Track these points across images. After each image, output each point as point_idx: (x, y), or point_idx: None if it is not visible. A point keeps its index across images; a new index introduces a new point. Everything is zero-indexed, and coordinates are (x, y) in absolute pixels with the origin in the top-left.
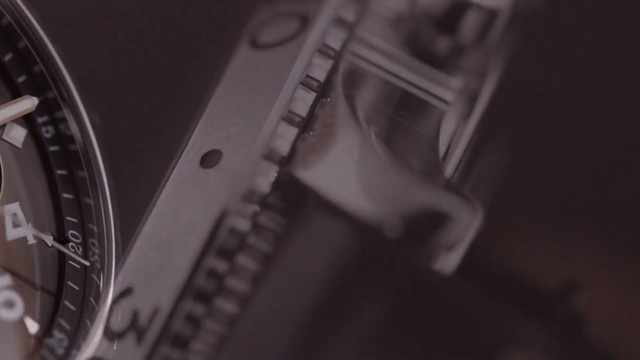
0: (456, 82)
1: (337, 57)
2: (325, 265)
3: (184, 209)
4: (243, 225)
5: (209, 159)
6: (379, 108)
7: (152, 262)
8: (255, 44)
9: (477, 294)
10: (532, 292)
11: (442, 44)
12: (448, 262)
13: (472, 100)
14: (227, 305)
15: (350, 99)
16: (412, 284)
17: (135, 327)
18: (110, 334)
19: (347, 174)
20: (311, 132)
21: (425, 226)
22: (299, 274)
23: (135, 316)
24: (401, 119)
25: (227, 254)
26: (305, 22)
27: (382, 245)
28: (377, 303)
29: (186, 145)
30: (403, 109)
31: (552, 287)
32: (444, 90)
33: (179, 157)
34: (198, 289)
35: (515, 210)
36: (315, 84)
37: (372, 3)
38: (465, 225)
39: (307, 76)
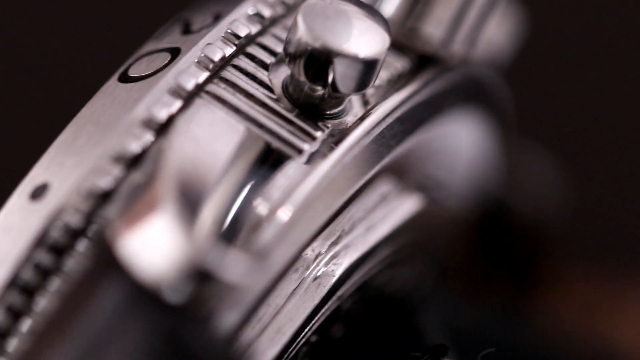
0: (320, 133)
1: (188, 97)
2: (98, 322)
3: (4, 241)
4: (50, 263)
5: (38, 193)
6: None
7: None
8: (122, 77)
9: None
10: None
11: (315, 92)
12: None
13: (334, 145)
14: (19, 345)
15: (187, 141)
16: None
17: None
18: None
19: (153, 230)
20: (140, 173)
21: (197, 289)
22: (76, 328)
23: None
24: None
25: (27, 291)
26: (173, 58)
27: (157, 310)
28: None
29: (27, 175)
30: (251, 157)
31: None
32: (302, 140)
33: (18, 187)
34: None
35: None
36: (155, 123)
37: (251, 44)
38: (234, 289)
39: (150, 115)
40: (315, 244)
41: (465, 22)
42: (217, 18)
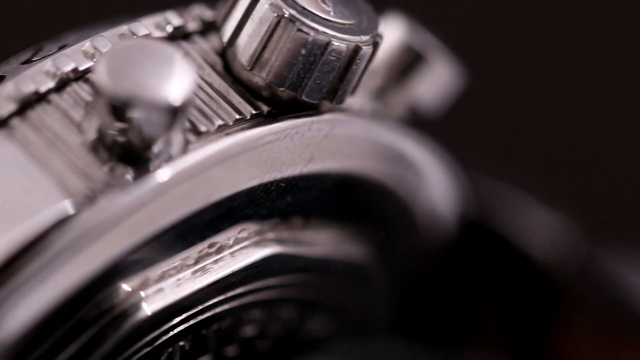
0: (111, 177)
1: None
2: None
3: None
4: None
5: None
6: None
7: None
8: None
9: None
10: None
11: (121, 135)
12: None
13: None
14: None
15: None
16: None
17: None
18: None
19: None
20: None
21: None
22: None
23: None
24: None
25: None
26: None
27: None
28: None
29: None
30: (28, 198)
31: None
32: (88, 184)
33: None
34: None
35: None
36: None
37: (80, 80)
38: None
39: None
40: (112, 290)
41: (315, 75)
42: (61, 49)
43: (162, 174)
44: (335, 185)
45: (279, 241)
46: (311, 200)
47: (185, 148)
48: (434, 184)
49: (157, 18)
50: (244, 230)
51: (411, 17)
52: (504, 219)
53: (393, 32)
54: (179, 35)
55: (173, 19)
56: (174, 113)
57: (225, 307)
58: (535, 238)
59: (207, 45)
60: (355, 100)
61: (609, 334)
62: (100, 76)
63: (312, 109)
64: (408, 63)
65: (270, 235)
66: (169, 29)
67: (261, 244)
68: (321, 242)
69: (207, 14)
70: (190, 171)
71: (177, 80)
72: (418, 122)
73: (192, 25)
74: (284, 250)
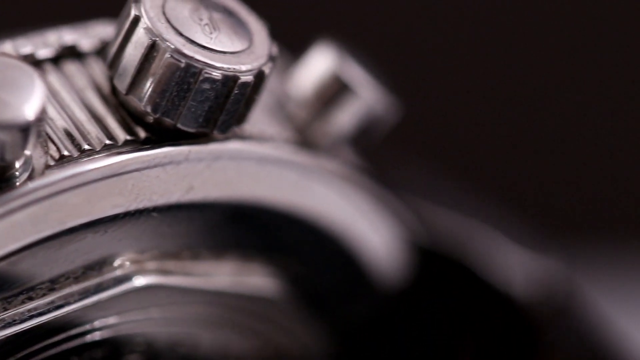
0: None
1: None
2: None
3: None
4: None
5: None
6: None
7: None
8: None
9: None
10: None
11: None
12: None
13: None
14: None
15: None
16: None
17: None
18: None
19: None
20: None
21: None
22: None
23: None
24: None
25: None
26: None
27: None
28: None
29: None
30: None
31: None
32: None
33: None
34: None
35: None
36: None
37: None
38: None
39: None
40: None
41: (189, 104)
42: None
43: (10, 197)
44: (228, 215)
45: (161, 272)
46: (198, 230)
47: (43, 171)
48: (363, 216)
49: (49, 34)
50: (114, 258)
51: (343, 46)
52: (482, 258)
53: (322, 61)
54: (69, 54)
55: (66, 36)
56: (22, 133)
57: (97, 336)
58: (514, 277)
59: (99, 66)
60: (268, 130)
61: None
62: None
63: (197, 138)
64: (335, 93)
65: (151, 265)
66: (59, 47)
67: (137, 273)
68: (219, 274)
69: (109, 31)
70: (40, 195)
71: (22, 99)
72: (361, 153)
73: (88, 44)
74: (164, 281)
